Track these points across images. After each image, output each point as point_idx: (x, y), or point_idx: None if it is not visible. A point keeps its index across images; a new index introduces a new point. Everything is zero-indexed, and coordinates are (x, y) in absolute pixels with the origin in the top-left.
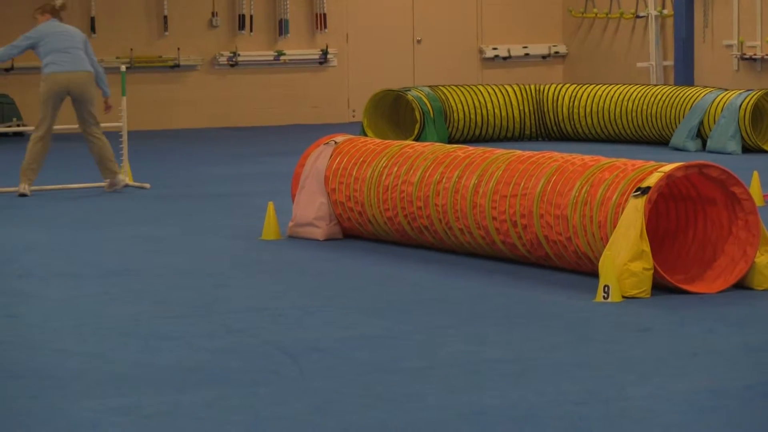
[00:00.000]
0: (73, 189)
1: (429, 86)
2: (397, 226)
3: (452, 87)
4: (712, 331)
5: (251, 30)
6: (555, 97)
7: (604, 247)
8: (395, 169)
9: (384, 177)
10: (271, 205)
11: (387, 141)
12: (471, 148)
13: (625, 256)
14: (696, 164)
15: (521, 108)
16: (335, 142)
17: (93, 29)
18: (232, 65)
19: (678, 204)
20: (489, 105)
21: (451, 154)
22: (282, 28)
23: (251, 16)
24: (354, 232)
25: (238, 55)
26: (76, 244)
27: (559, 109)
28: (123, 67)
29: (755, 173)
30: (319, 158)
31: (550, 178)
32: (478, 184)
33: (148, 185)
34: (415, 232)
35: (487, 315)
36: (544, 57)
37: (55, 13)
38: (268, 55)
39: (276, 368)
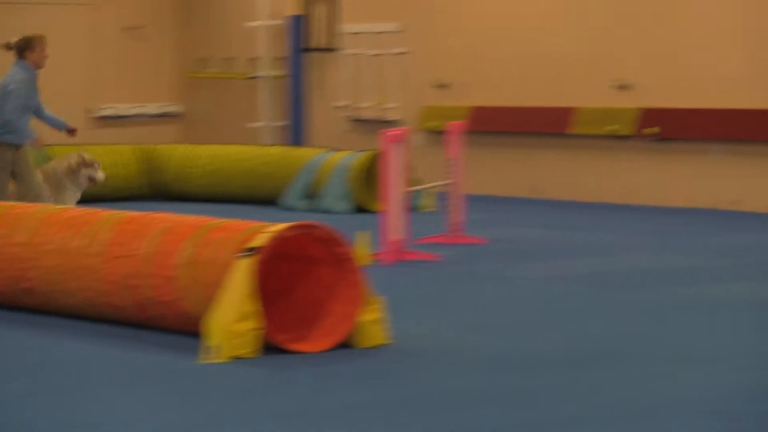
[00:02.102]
0: None
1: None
2: (2, 288)
3: (62, 147)
4: (318, 390)
5: None
6: (169, 157)
7: (213, 307)
8: (1, 230)
9: None
10: None
11: None
12: (79, 208)
13: (233, 317)
14: (303, 224)
15: (134, 168)
16: None
17: None
18: None
19: (286, 264)
20: (101, 165)
21: (57, 215)
22: None
23: None
24: None
25: None
26: None
27: (174, 169)
28: None
29: (362, 233)
30: None
31: (159, 239)
32: (87, 245)
33: None
34: (23, 294)
35: (94, 378)
36: (157, 116)
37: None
38: None
39: None
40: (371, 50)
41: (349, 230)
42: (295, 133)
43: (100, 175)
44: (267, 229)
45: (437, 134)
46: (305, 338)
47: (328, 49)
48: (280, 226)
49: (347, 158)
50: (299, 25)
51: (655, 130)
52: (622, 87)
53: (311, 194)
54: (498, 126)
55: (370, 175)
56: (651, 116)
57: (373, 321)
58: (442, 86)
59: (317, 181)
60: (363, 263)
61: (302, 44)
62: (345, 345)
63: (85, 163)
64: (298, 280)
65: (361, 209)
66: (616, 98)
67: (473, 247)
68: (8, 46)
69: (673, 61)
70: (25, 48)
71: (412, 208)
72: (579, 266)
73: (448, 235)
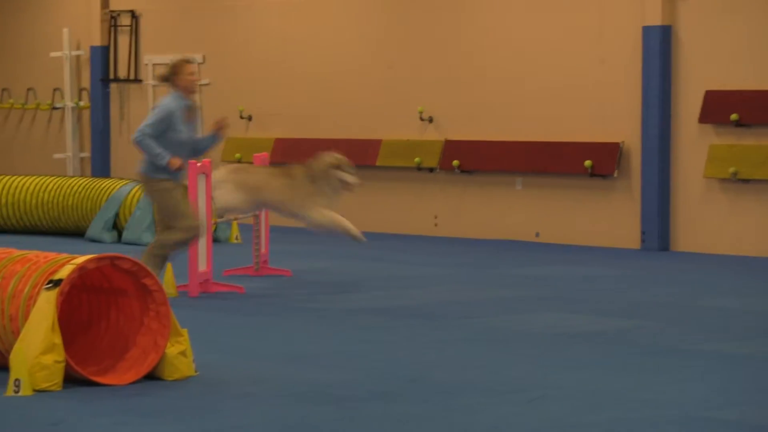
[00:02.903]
0: None
1: None
2: None
3: None
4: (123, 423)
5: None
6: None
7: (16, 340)
8: None
9: None
10: None
11: None
12: None
13: (36, 349)
14: (108, 256)
15: None
16: None
17: None
18: None
19: (91, 296)
20: None
21: None
22: None
23: None
24: None
25: None
26: None
27: None
28: None
29: (168, 265)
30: None
31: None
32: None
33: None
34: None
35: None
36: None
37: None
38: None
39: None
40: None
41: None
42: (100, 164)
43: (353, 179)
44: (71, 261)
45: None
46: (111, 370)
47: (132, 80)
48: (84, 258)
49: None
50: (102, 55)
51: (455, 162)
52: (426, 120)
53: (117, 226)
54: (303, 158)
55: None
56: (453, 148)
57: (179, 353)
58: (245, 117)
59: (122, 213)
60: (169, 295)
61: (106, 75)
62: (151, 377)
63: (339, 165)
64: (105, 312)
65: None
66: (420, 131)
67: (279, 278)
68: (162, 78)
69: (471, 95)
70: (171, 75)
71: (218, 239)
72: (384, 298)
73: (253, 267)
